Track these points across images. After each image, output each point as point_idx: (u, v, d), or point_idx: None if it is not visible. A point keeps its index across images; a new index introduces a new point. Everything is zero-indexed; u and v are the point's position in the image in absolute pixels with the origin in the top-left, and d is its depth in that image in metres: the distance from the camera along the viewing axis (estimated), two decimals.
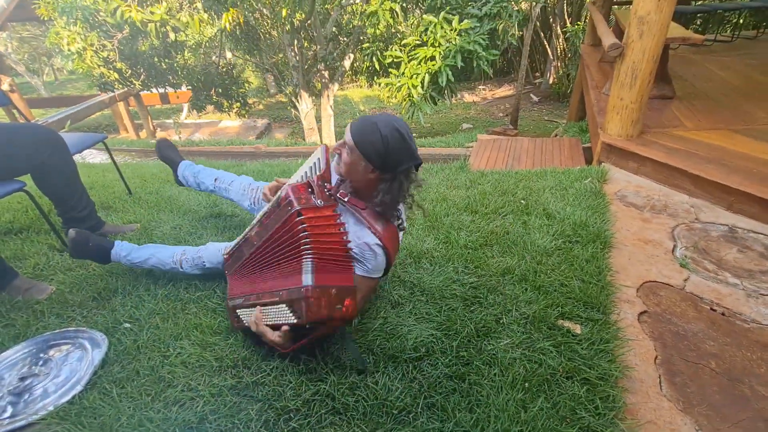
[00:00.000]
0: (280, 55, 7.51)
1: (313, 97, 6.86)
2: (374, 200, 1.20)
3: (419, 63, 3.50)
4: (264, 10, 5.48)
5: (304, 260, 1.09)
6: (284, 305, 1.13)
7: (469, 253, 1.78)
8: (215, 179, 1.82)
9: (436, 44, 3.43)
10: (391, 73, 3.83)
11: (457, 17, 3.52)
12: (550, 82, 9.92)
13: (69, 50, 5.20)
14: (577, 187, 2.35)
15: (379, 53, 4.58)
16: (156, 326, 1.40)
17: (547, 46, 9.70)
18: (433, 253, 1.79)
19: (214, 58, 7.19)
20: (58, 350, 1.33)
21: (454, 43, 3.36)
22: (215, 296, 1.54)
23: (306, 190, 1.15)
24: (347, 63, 6.06)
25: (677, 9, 2.43)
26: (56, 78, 17.45)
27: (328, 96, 6.54)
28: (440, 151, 3.68)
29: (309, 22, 5.32)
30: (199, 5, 4.41)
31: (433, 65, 3.43)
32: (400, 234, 1.30)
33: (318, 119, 7.10)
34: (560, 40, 9.05)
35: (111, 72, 5.47)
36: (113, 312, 1.47)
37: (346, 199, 1.23)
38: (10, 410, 1.15)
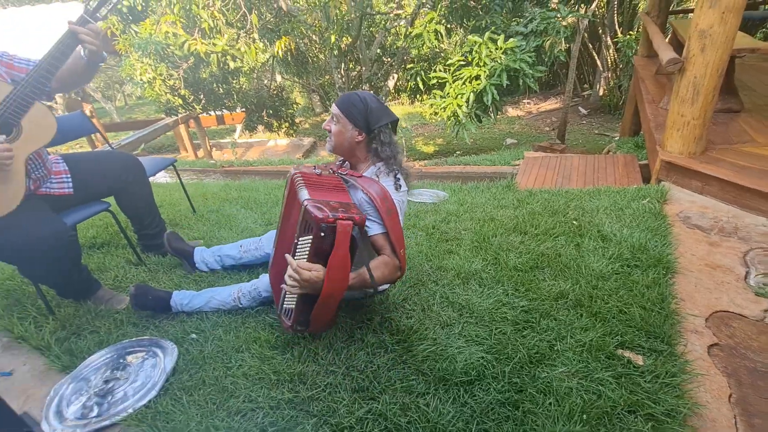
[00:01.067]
0: (327, 77, 7.85)
1: None
2: (378, 158, 1.42)
3: (464, 83, 3.53)
4: (313, 36, 5.79)
5: (298, 190, 1.28)
6: (302, 236, 1.26)
7: (519, 275, 1.75)
8: (240, 247, 1.88)
9: (481, 64, 3.45)
10: (435, 93, 3.88)
11: (502, 36, 3.53)
12: (600, 94, 9.55)
13: (141, 79, 5.78)
14: (634, 208, 2.24)
15: (423, 73, 4.67)
16: (219, 338, 1.50)
17: (596, 57, 9.38)
18: (481, 274, 1.78)
19: (265, 81, 7.65)
20: (134, 357, 1.46)
21: (499, 62, 3.37)
22: (272, 311, 1.62)
23: (310, 168, 1.40)
24: (391, 83, 6.21)
25: (743, 15, 2.29)
26: (126, 103, 19.27)
27: None
28: (486, 169, 3.65)
29: (355, 45, 5.55)
30: (255, 35, 4.74)
31: (478, 84, 3.44)
32: (400, 193, 1.42)
33: None
34: (611, 50, 8.73)
35: (176, 98, 5.99)
36: (182, 323, 1.60)
37: (345, 172, 1.44)
38: (96, 410, 1.27)
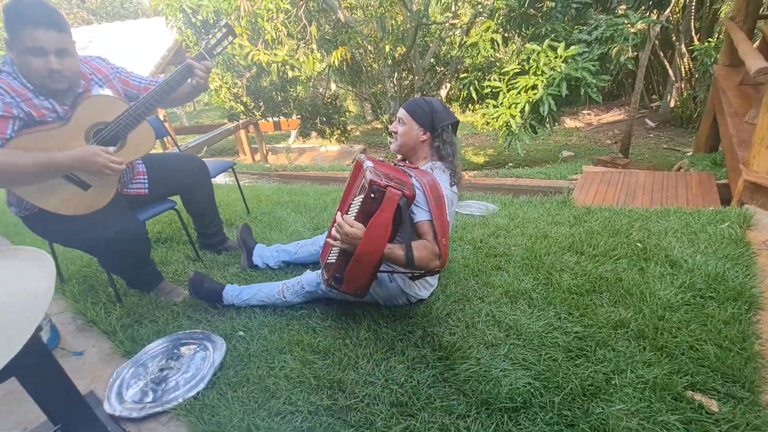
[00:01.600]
0: (379, 86, 7.97)
1: None
2: (438, 155, 1.53)
3: (519, 92, 3.42)
4: (368, 46, 5.91)
5: (364, 162, 1.42)
6: (357, 197, 1.40)
7: (573, 298, 1.64)
8: (297, 244, 2.01)
9: (539, 73, 3.32)
10: (488, 102, 3.79)
11: (563, 44, 3.37)
12: (671, 105, 8.82)
13: (209, 87, 6.25)
14: (710, 232, 2.03)
15: (476, 82, 4.59)
16: (264, 337, 1.55)
17: (667, 66, 8.69)
18: (531, 294, 1.69)
19: (320, 89, 7.93)
20: (187, 348, 1.54)
21: (559, 70, 3.22)
22: (315, 315, 1.65)
23: (377, 162, 1.47)
24: (443, 92, 6.17)
25: None
26: (195, 108, 20.86)
27: None
28: (540, 182, 3.49)
29: (409, 54, 5.59)
30: (314, 45, 4.94)
31: (534, 94, 3.31)
32: (453, 189, 1.52)
33: None
34: (685, 59, 8.05)
35: (238, 105, 6.37)
36: (231, 320, 1.67)
37: (404, 163, 1.56)
38: (151, 395, 1.36)
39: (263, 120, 8.20)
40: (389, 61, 5.05)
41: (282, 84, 6.16)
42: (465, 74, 5.04)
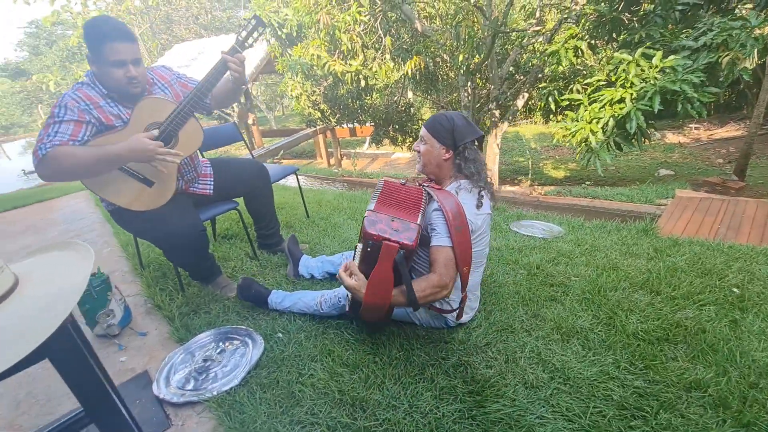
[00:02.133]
0: (455, 95, 7.84)
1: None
2: (462, 174, 1.45)
3: (602, 106, 3.09)
4: (444, 56, 5.85)
5: (370, 200, 1.36)
6: (359, 242, 1.34)
7: (639, 345, 1.42)
8: (342, 255, 2.03)
9: (627, 85, 2.97)
10: (567, 115, 3.50)
11: (660, 52, 2.99)
12: None
13: (291, 94, 6.70)
14: None
15: (556, 93, 4.27)
16: (300, 342, 1.59)
17: None
18: (588, 334, 1.50)
19: (395, 97, 8.04)
20: (230, 343, 1.64)
21: (652, 82, 2.85)
22: (351, 327, 1.65)
23: (393, 188, 1.41)
24: (520, 102, 5.87)
25: None
26: (283, 113, 22.60)
27: (496, 134, 6.44)
28: (620, 205, 3.12)
29: (485, 63, 5.41)
30: (388, 56, 5.02)
31: (621, 108, 2.97)
32: (480, 212, 1.42)
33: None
34: None
35: (316, 111, 6.74)
36: (273, 321, 1.74)
37: (427, 184, 1.46)
38: (192, 383, 1.46)
39: (339, 126, 8.56)
40: (462, 70, 4.93)
41: (357, 92, 6.37)
42: (544, 84, 4.73)
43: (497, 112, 6.18)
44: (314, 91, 6.20)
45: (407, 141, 8.19)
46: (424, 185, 1.48)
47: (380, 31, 4.91)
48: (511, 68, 6.12)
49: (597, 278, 1.85)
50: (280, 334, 1.65)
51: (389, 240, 1.22)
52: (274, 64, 7.09)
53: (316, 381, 1.39)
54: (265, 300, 1.80)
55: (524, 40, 5.69)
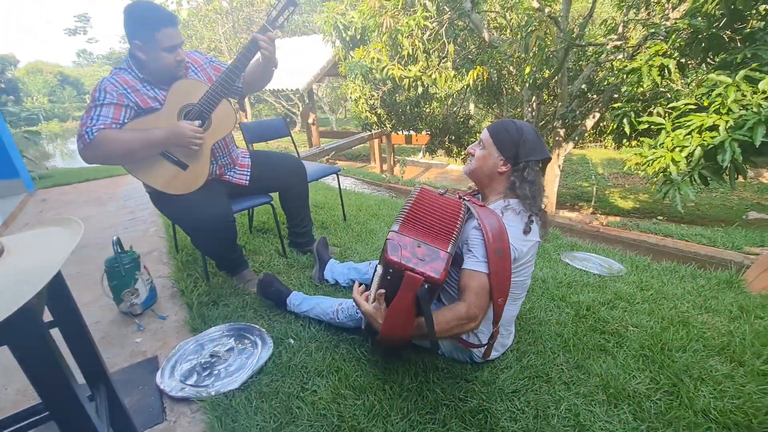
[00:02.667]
0: (518, 110, 7.47)
1: None
2: (513, 194, 1.27)
3: (689, 132, 2.70)
4: (511, 68, 5.57)
5: (395, 219, 1.19)
6: (380, 264, 1.18)
7: (709, 428, 1.14)
8: (369, 263, 1.90)
9: (723, 111, 2.56)
10: (643, 141, 3.13)
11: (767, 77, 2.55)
12: None
13: (351, 97, 6.77)
14: None
15: (632, 115, 3.85)
16: (310, 353, 1.48)
17: None
18: (642, 401, 1.24)
19: (454, 108, 7.83)
20: (240, 342, 1.57)
21: (755, 110, 2.44)
22: (366, 345, 1.51)
23: (429, 197, 1.25)
24: (590, 123, 5.42)
25: None
26: (345, 116, 23.16)
27: (558, 155, 6.01)
28: (697, 248, 2.70)
29: (554, 78, 5.06)
30: (449, 63, 4.87)
31: (713, 137, 2.57)
32: (527, 239, 1.24)
33: None
34: None
35: (373, 116, 6.73)
36: (288, 324, 1.65)
37: (468, 198, 1.30)
38: (195, 378, 1.41)
39: (394, 132, 8.52)
40: (528, 84, 4.64)
41: (416, 99, 6.27)
42: (619, 104, 4.30)
43: (562, 131, 5.77)
44: (372, 95, 6.20)
45: (462, 153, 7.94)
46: (464, 199, 1.31)
47: (444, 39, 4.77)
48: (583, 85, 5.69)
49: (661, 332, 1.55)
50: (291, 340, 1.56)
51: (413, 271, 1.07)
52: (339, 67, 7.22)
53: (317, 400, 1.27)
54: (284, 300, 1.73)
55: (601, 56, 5.27)
